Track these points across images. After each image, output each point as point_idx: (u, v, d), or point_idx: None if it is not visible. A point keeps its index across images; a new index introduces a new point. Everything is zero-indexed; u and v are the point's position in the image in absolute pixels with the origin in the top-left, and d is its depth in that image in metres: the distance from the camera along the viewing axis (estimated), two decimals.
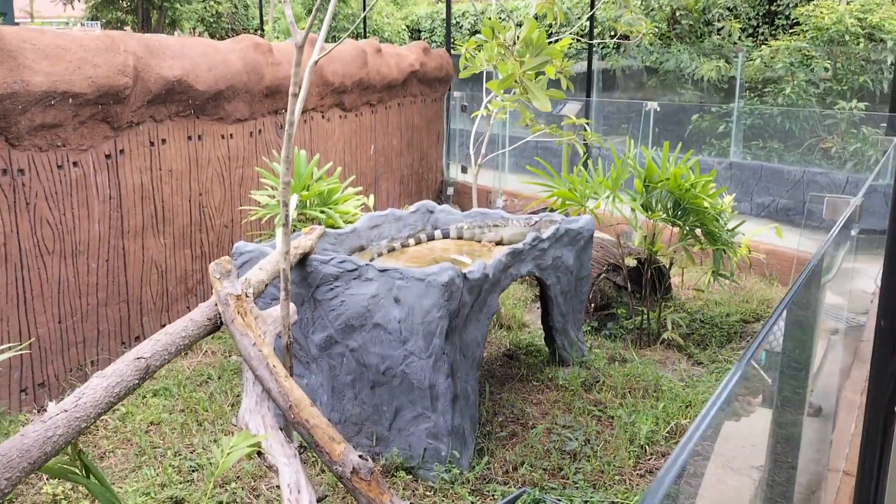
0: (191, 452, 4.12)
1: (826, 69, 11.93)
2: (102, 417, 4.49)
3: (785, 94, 11.86)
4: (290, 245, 3.79)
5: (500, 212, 5.49)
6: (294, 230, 5.11)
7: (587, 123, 6.39)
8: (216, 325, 3.03)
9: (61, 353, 4.82)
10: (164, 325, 5.63)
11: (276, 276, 3.56)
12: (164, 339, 2.72)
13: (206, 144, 6.01)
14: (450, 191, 11.46)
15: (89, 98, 4.70)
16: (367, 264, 3.78)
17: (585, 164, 7.69)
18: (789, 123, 11.47)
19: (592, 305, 6.32)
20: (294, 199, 4.58)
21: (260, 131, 6.73)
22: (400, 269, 3.71)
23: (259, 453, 2.88)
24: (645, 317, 5.90)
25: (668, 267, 6.08)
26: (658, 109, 8.69)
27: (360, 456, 2.77)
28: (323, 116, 7.81)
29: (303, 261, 3.91)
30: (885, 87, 11.31)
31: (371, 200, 6.67)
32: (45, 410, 2.89)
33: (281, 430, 2.94)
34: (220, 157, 6.17)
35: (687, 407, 4.66)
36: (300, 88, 3.05)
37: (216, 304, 3.03)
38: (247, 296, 3.15)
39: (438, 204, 11.44)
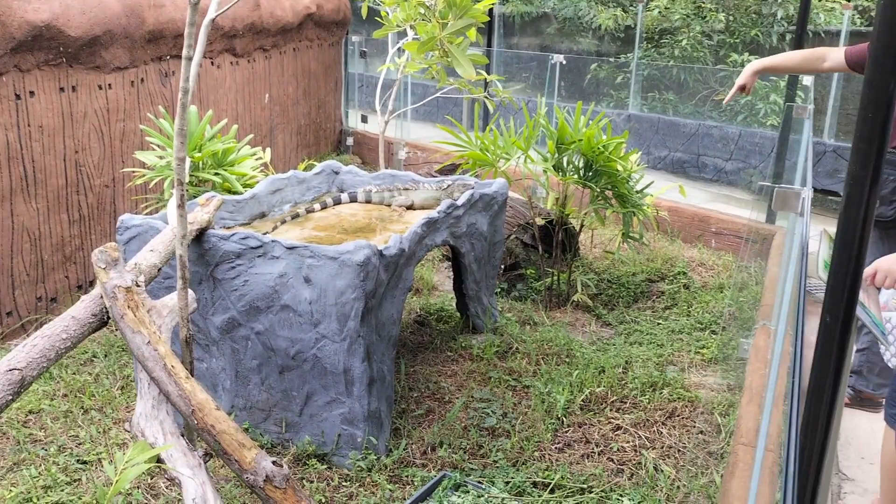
0: (77, 446, 3.74)
1: (720, 21, 12.13)
2: None
3: (681, 46, 12.01)
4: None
5: (411, 174, 5.23)
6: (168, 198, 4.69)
7: (498, 79, 6.16)
8: (103, 321, 2.67)
9: None
10: (39, 298, 5.12)
11: (170, 258, 3.20)
12: (42, 344, 2.35)
13: (82, 96, 5.41)
14: (349, 141, 11.04)
15: None
16: (273, 241, 3.47)
17: (485, 122, 7.49)
18: (684, 75, 11.66)
19: (503, 266, 6.21)
20: (187, 163, 4.14)
21: (142, 80, 6.13)
22: (310, 246, 3.41)
23: (160, 461, 2.58)
24: (554, 279, 5.84)
25: (577, 228, 6.02)
26: (564, 63, 8.55)
27: (274, 462, 2.53)
28: (213, 63, 7.23)
29: (200, 236, 3.55)
30: (774, 41, 11.62)
31: (268, 154, 6.25)
32: None
33: (182, 435, 2.65)
34: (97, 109, 5.58)
35: (600, 373, 4.64)
36: (195, 50, 2.68)
37: (102, 298, 2.67)
38: (137, 286, 2.80)
39: (338, 154, 11.02)
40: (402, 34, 6.33)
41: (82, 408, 4.10)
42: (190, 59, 2.59)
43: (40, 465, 3.55)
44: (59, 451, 3.68)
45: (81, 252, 5.53)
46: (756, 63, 4.10)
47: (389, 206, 5.02)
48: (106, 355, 4.70)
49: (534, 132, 5.54)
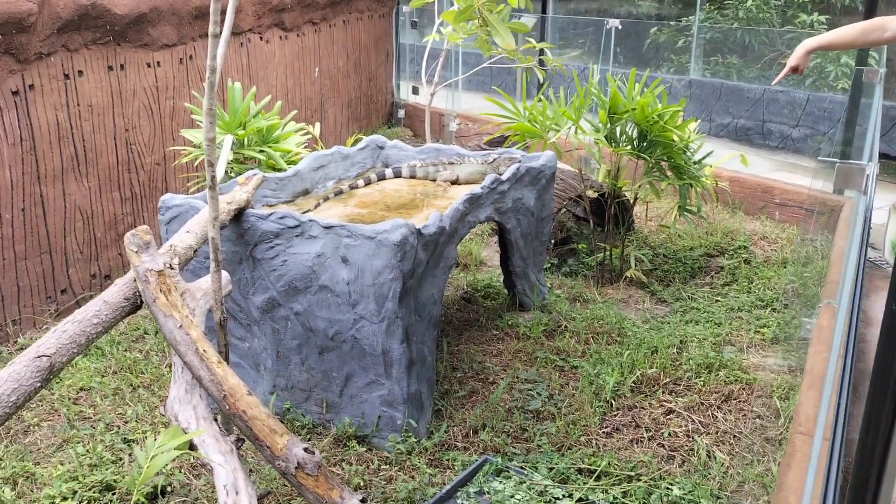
0: (124, 424, 3.79)
1: None
2: None
3: (746, 7, 11.46)
4: (223, 201, 3.39)
5: (456, 148, 5.10)
6: (229, 176, 4.67)
7: (549, 47, 5.95)
8: (136, 305, 2.65)
9: None
10: (93, 276, 5.21)
11: (203, 241, 3.16)
12: (72, 330, 2.34)
13: (131, 75, 5.43)
14: (401, 113, 10.93)
15: None
16: (310, 220, 3.40)
17: (539, 90, 7.27)
18: (749, 38, 11.13)
19: (552, 241, 6.05)
20: (228, 140, 4.12)
21: (191, 57, 6.13)
22: (347, 225, 3.34)
23: (192, 447, 2.57)
24: (607, 253, 5.66)
25: (631, 201, 5.81)
26: (619, 27, 8.23)
27: (306, 449, 2.48)
28: (261, 38, 7.20)
29: (239, 215, 3.51)
30: (846, 0, 10.98)
31: (317, 129, 6.19)
32: None
33: (215, 420, 2.62)
34: (146, 87, 5.60)
35: (652, 353, 4.47)
36: (223, 27, 2.60)
37: (135, 281, 2.65)
38: (171, 268, 2.77)
39: (389, 127, 10.94)
40: (450, 3, 6.17)
41: (131, 385, 4.15)
42: (217, 36, 2.52)
43: (88, 443, 3.61)
44: (107, 429, 3.73)
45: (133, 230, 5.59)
46: (809, 42, 3.79)
47: (434, 180, 4.92)
48: (156, 332, 4.75)
49: (585, 101, 5.33)
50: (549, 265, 5.87)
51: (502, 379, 4.16)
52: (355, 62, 9.52)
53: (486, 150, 7.45)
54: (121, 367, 4.35)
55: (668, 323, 4.99)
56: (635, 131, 5.27)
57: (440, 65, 5.96)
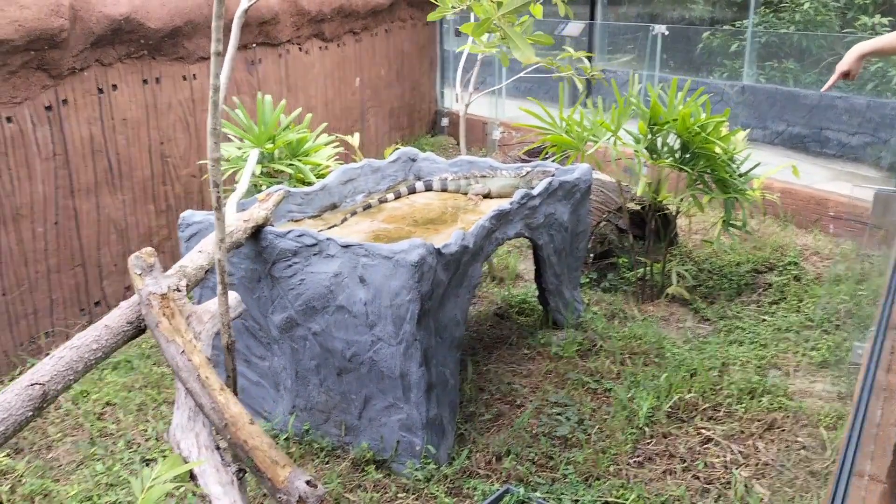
0: (144, 441, 3.76)
1: None
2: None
3: (803, 10, 11.04)
4: (240, 219, 3.32)
5: (489, 161, 4.97)
6: (258, 189, 4.63)
7: (587, 56, 5.77)
8: (139, 329, 2.59)
9: (8, 328, 4.43)
10: (127, 288, 5.23)
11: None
12: (69, 356, 2.29)
13: (166, 88, 5.45)
14: (445, 121, 10.84)
15: (17, 44, 4.14)
16: (328, 239, 3.31)
17: (585, 101, 7.08)
18: (806, 42, 10.71)
19: (592, 255, 5.86)
20: (254, 155, 4.07)
21: None
22: (365, 244, 3.24)
23: (192, 477, 2.49)
24: (648, 269, 5.44)
25: (674, 214, 5.58)
26: (666, 33, 7.98)
27: (309, 482, 2.37)
28: (300, 49, 7.19)
29: (257, 233, 3.44)
30: None
31: (356, 139, 6.12)
32: None
33: (218, 449, 2.54)
34: (182, 100, 5.62)
35: (691, 376, 4.26)
36: (229, 45, 2.53)
37: (139, 305, 2.59)
38: (178, 290, 2.70)
39: (432, 136, 10.86)
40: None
41: (155, 401, 4.12)
42: (219, 54, 2.44)
43: (107, 462, 3.58)
44: (127, 447, 3.70)
45: (168, 242, 5.61)
46: (862, 46, 3.51)
47: (466, 194, 4.79)
48: None
49: (626, 111, 5.14)
50: (588, 280, 5.68)
51: (530, 402, 4.00)
52: (398, 71, 9.47)
53: (525, 160, 7.30)
54: (147, 382, 4.33)
55: (711, 343, 4.76)
56: (677, 142, 5.06)
57: (475, 74, 5.84)
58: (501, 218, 3.92)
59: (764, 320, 5.04)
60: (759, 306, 5.25)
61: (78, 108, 4.73)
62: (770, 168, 5.81)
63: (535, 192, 4.23)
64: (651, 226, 5.36)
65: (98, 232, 5.00)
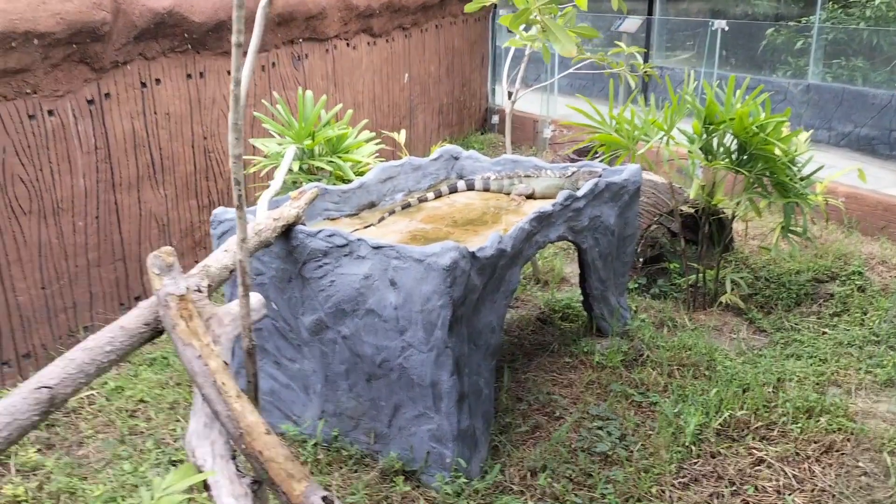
0: (174, 441, 3.70)
1: None
2: (89, 392, 4.12)
3: (874, 6, 10.51)
4: (270, 217, 3.22)
5: (534, 160, 4.79)
6: (295, 186, 4.54)
7: (640, 52, 5.53)
8: (157, 331, 2.50)
9: (47, 321, 4.43)
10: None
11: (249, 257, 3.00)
12: (80, 358, 2.21)
13: (210, 82, 5.42)
14: (495, 119, 10.67)
15: (59, 37, 4.13)
16: (359, 240, 3.19)
17: (642, 96, 6.82)
18: (877, 39, 10.19)
19: (641, 259, 5.62)
20: (290, 152, 3.97)
21: (273, 64, 6.09)
22: (396, 246, 3.10)
23: (206, 487, 2.39)
24: (700, 275, 5.18)
25: (730, 218, 5.31)
26: (726, 29, 7.65)
27: (325, 498, 2.25)
28: (348, 44, 7.10)
29: (288, 231, 3.34)
30: None
31: (402, 136, 5.99)
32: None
33: (233, 458, 2.43)
34: (226, 95, 5.58)
35: (744, 392, 4.01)
36: (252, 37, 2.41)
37: (157, 305, 2.50)
38: (199, 291, 2.61)
39: (482, 133, 10.69)
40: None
41: (187, 400, 4.07)
42: (240, 45, 2.33)
43: (136, 461, 3.53)
44: (156, 446, 3.65)
45: (210, 238, 5.58)
46: None
47: (509, 194, 4.62)
48: None
49: (680, 109, 4.90)
50: (637, 285, 5.46)
51: (570, 414, 3.82)
52: (448, 67, 9.33)
53: (574, 159, 7.08)
54: (182, 379, 4.28)
55: (766, 356, 4.50)
56: (734, 143, 4.80)
57: (522, 69, 5.66)
58: (543, 220, 3.75)
59: (824, 333, 4.75)
60: (819, 318, 4.95)
61: (120, 101, 4.72)
62: (835, 171, 5.49)
63: (579, 193, 4.03)
64: (705, 230, 5.10)
65: (139, 226, 4.98)
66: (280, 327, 3.57)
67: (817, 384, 4.11)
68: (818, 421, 3.74)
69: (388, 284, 3.13)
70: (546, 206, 3.80)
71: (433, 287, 3.01)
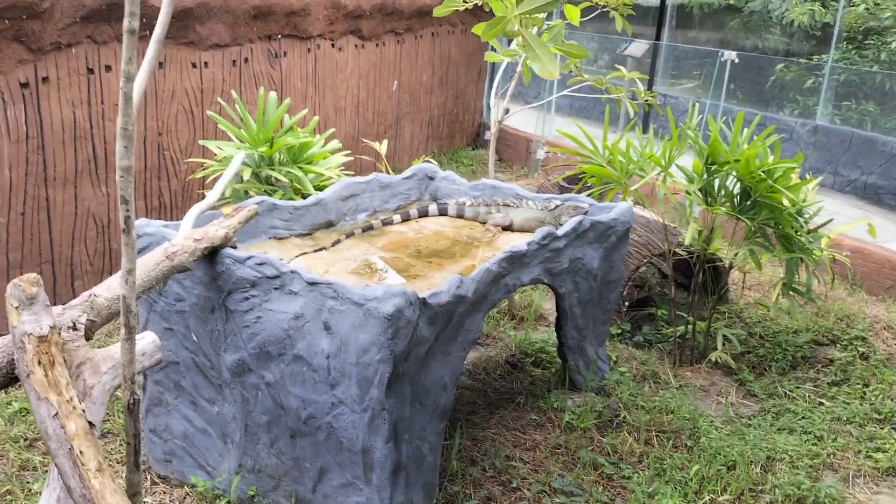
0: None
1: None
2: None
3: (890, 49, 10.11)
4: (191, 239, 2.74)
5: (515, 188, 4.32)
6: (246, 198, 4.06)
7: (642, 78, 5.09)
8: (10, 378, 2.02)
9: None
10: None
11: (157, 283, 2.52)
12: None
13: (170, 73, 4.94)
14: (488, 135, 10.20)
15: None
16: (292, 272, 2.71)
17: (640, 126, 6.38)
18: (890, 83, 9.79)
19: (626, 302, 5.15)
20: (238, 159, 3.49)
21: (246, 60, 5.62)
22: (335, 284, 2.62)
23: None
24: (690, 327, 4.72)
25: (727, 267, 4.85)
26: (736, 61, 7.23)
27: None
28: (333, 45, 6.64)
29: (214, 254, 2.85)
30: None
31: (384, 147, 5.50)
32: None
33: None
34: (189, 89, 5.10)
35: (729, 470, 3.54)
36: (157, 25, 1.94)
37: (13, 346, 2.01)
38: (75, 328, 2.12)
39: (473, 149, 10.22)
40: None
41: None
42: (133, 32, 1.85)
43: None
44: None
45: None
46: None
47: (485, 223, 4.15)
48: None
49: (681, 144, 4.44)
50: (619, 331, 4.98)
51: (530, 485, 3.33)
52: (441, 77, 8.88)
53: (565, 188, 6.62)
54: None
55: (755, 427, 4.02)
56: (737, 187, 4.34)
57: (512, 85, 5.22)
58: (515, 261, 3.27)
59: (821, 404, 4.28)
60: (815, 386, 4.48)
61: (61, 87, 4.23)
62: (842, 223, 5.04)
63: (560, 231, 3.56)
64: (698, 279, 4.63)
65: (74, 226, 4.49)
66: (200, 363, 3.08)
67: (811, 467, 3.64)
68: None
69: (322, 328, 2.65)
70: (520, 245, 3.32)
71: (372, 337, 2.53)
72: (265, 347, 2.77)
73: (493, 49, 3.67)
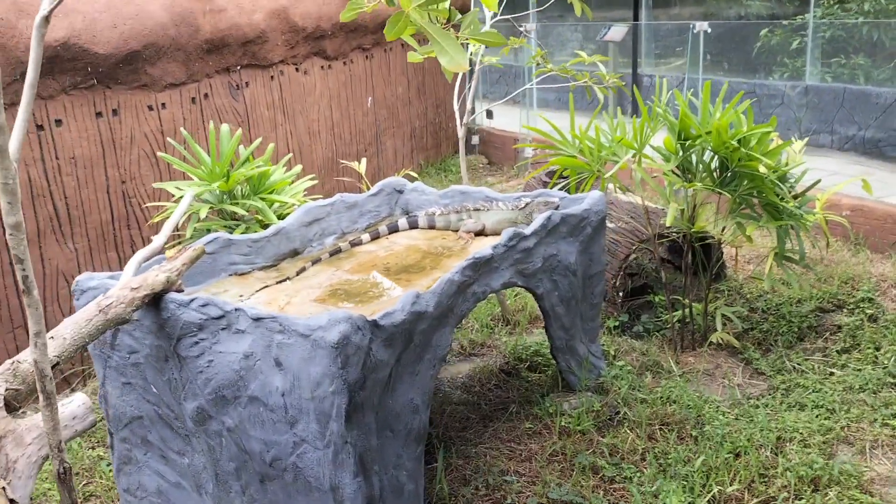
0: None
1: None
2: None
3: None
4: (128, 285, 2.61)
5: (485, 191, 4.17)
6: (206, 231, 3.93)
7: (603, 60, 4.92)
8: None
9: None
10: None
11: (91, 340, 2.40)
12: None
13: (126, 119, 4.85)
14: (475, 139, 10.07)
15: None
16: (236, 310, 2.57)
17: (635, 108, 6.22)
18: (878, 33, 9.53)
19: (621, 292, 4.98)
20: (188, 197, 3.37)
21: (206, 95, 5.52)
22: (279, 317, 2.49)
23: None
24: (687, 311, 4.53)
25: (718, 243, 4.66)
26: (709, 31, 7.04)
27: None
28: (297, 69, 6.54)
29: (158, 300, 2.73)
30: None
31: (363, 166, 5.36)
32: None
33: None
34: (148, 133, 5.00)
35: (736, 458, 3.35)
36: (28, 68, 1.82)
37: None
38: None
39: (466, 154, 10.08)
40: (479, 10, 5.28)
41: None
42: None
43: None
44: None
45: None
46: None
47: (456, 231, 4.01)
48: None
49: (654, 123, 4.27)
50: (617, 324, 4.81)
51: (527, 499, 3.16)
52: (418, 88, 8.76)
53: (547, 182, 6.45)
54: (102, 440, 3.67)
55: (764, 406, 3.83)
56: (715, 160, 4.16)
57: (472, 89, 5.08)
58: (480, 267, 3.12)
59: (831, 374, 4.08)
60: (824, 356, 4.28)
61: None
62: (838, 182, 4.83)
63: (528, 230, 3.41)
64: (687, 259, 4.45)
65: (44, 287, 4.40)
66: (164, 414, 2.95)
67: (824, 443, 3.45)
68: (826, 495, 3.07)
69: (273, 365, 2.51)
70: (484, 250, 3.17)
71: (322, 369, 2.39)
72: (220, 392, 2.64)
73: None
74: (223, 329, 2.61)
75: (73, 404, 2.15)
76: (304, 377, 2.44)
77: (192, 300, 2.66)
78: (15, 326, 4.25)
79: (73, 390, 4.57)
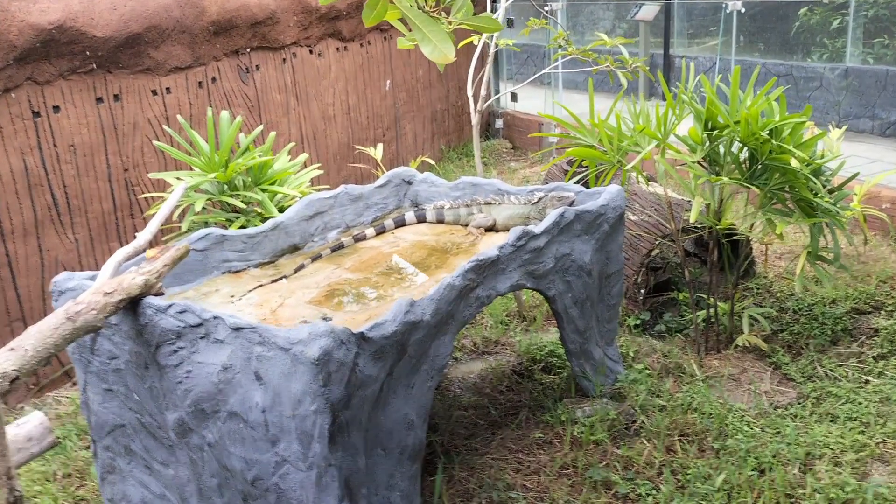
0: None
1: None
2: None
3: None
4: (101, 289, 2.44)
5: (497, 183, 3.94)
6: (185, 230, 3.76)
7: (624, 42, 4.63)
8: None
9: None
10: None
11: (44, 360, 2.22)
12: None
13: (129, 105, 4.68)
14: (499, 123, 9.79)
15: None
16: (215, 317, 2.39)
17: (643, 93, 5.91)
18: None
19: (643, 289, 4.73)
20: (179, 190, 3.20)
21: (214, 79, 5.33)
22: (259, 328, 2.30)
23: None
24: (712, 310, 4.27)
25: (746, 240, 4.39)
26: (742, 10, 6.68)
27: None
28: (311, 51, 6.32)
29: (135, 305, 2.55)
30: None
31: (379, 152, 5.13)
32: None
33: None
34: (152, 118, 4.84)
35: (760, 475, 3.11)
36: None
37: None
38: None
39: (486, 139, 9.83)
40: None
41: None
42: None
43: None
44: None
45: None
46: None
47: (467, 225, 3.79)
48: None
49: (680, 110, 3.99)
50: (638, 322, 4.57)
51: None
52: (439, 70, 8.48)
53: (568, 171, 6.17)
54: (78, 468, 3.54)
55: (793, 417, 3.58)
56: (745, 151, 3.88)
57: (486, 73, 4.83)
58: (483, 270, 2.90)
59: (867, 383, 3.80)
60: (860, 362, 4.00)
61: (5, 135, 4.00)
62: (879, 171, 4.52)
63: (538, 228, 3.17)
64: (713, 257, 4.18)
65: (42, 279, 4.27)
66: (147, 423, 2.78)
67: (857, 461, 3.19)
68: None
69: (253, 379, 2.32)
70: (489, 251, 2.95)
71: (303, 386, 2.20)
72: (199, 405, 2.46)
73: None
74: (202, 338, 2.43)
75: (29, 425, 1.99)
76: (284, 394, 2.25)
77: (170, 306, 2.48)
78: (12, 319, 4.13)
79: (73, 384, 4.45)
